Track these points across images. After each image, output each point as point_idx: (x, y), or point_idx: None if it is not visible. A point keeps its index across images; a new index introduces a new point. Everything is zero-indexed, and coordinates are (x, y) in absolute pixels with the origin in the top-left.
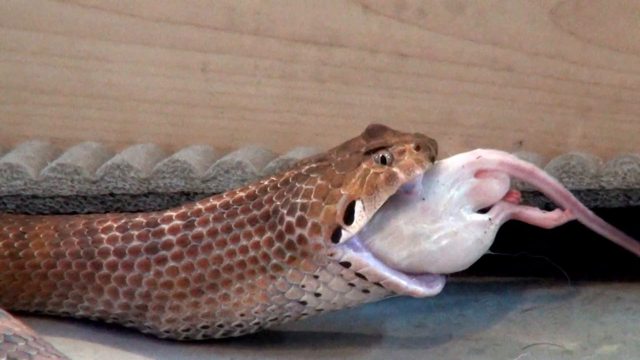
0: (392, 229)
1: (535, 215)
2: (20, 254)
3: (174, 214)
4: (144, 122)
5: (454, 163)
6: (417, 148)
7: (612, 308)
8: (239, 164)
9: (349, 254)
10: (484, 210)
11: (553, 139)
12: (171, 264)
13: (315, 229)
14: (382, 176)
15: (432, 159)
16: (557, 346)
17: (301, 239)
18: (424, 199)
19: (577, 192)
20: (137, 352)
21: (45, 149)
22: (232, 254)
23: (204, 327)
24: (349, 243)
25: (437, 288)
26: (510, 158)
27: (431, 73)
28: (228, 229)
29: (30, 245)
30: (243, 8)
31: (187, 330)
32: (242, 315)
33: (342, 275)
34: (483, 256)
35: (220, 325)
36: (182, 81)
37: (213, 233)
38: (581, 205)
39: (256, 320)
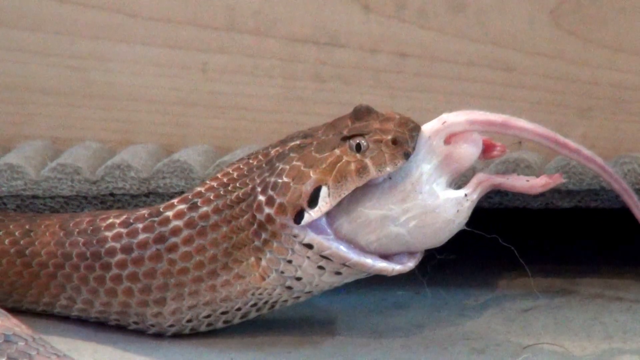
0: (358, 214)
1: (518, 184)
2: (27, 251)
3: (175, 200)
4: (144, 122)
5: (419, 135)
6: (394, 142)
7: (612, 308)
8: None
9: (310, 236)
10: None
11: None
12: (183, 249)
13: (281, 208)
14: (353, 166)
15: (407, 155)
16: (557, 346)
17: (269, 218)
18: (390, 178)
19: (577, 192)
20: (137, 351)
21: (45, 149)
22: (234, 231)
23: (224, 312)
24: (313, 225)
25: (409, 264)
26: (478, 114)
27: (431, 73)
28: (227, 207)
29: (36, 243)
30: (243, 8)
31: (208, 316)
32: (253, 294)
33: (309, 257)
34: (484, 257)
35: (238, 309)
36: (182, 81)
37: (217, 210)
38: (574, 144)
39: (265, 300)
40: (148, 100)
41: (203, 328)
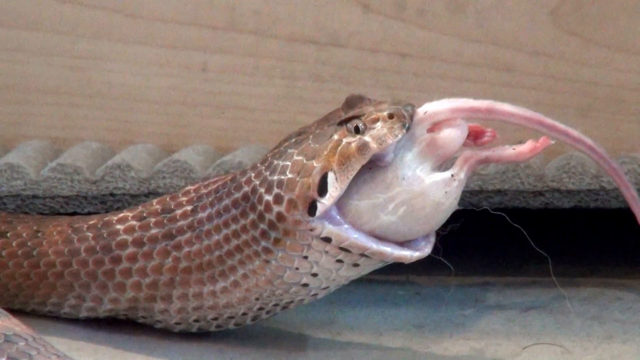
0: (349, 207)
1: (505, 154)
2: (34, 252)
3: (185, 198)
4: (144, 122)
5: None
6: (391, 116)
7: (612, 308)
8: (239, 164)
9: (328, 229)
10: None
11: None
12: (186, 249)
13: (292, 204)
14: (353, 145)
15: (406, 128)
16: (557, 346)
17: (280, 217)
18: (370, 169)
19: (577, 192)
20: (137, 351)
21: (45, 149)
22: (227, 239)
23: (230, 317)
24: (328, 218)
25: (426, 250)
26: (461, 102)
27: (431, 73)
28: (219, 214)
29: (44, 243)
30: (243, 8)
31: (216, 319)
32: (257, 299)
33: (327, 252)
34: (484, 256)
35: (245, 314)
36: (182, 81)
37: (210, 219)
38: (562, 125)
39: (274, 303)
40: (148, 100)
41: (213, 328)
